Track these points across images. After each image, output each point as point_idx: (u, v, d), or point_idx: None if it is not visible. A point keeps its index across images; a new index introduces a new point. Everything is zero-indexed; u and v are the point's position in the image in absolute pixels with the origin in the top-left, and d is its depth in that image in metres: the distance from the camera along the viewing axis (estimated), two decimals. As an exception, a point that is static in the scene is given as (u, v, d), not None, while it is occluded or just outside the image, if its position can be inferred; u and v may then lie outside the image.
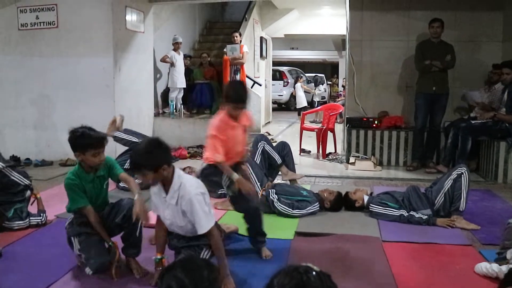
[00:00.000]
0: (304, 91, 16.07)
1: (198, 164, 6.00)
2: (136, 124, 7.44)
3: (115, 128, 5.59)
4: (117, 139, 5.64)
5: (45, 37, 7.03)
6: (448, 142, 6.56)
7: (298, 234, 4.18)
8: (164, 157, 2.90)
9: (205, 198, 2.96)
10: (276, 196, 4.66)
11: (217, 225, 3.93)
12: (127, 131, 5.73)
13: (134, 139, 5.58)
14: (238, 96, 3.43)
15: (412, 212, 4.43)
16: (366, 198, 4.72)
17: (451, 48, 6.62)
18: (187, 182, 2.96)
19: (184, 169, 5.65)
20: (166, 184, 2.93)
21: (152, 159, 2.82)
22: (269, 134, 10.77)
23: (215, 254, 2.98)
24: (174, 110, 9.13)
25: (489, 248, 3.85)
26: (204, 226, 2.90)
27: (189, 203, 2.88)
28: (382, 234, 4.17)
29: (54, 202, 4.91)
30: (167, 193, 2.95)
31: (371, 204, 4.63)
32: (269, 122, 13.71)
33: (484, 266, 3.32)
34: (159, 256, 3.04)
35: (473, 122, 6.36)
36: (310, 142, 8.77)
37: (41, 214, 4.33)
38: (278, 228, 4.31)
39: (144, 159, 2.81)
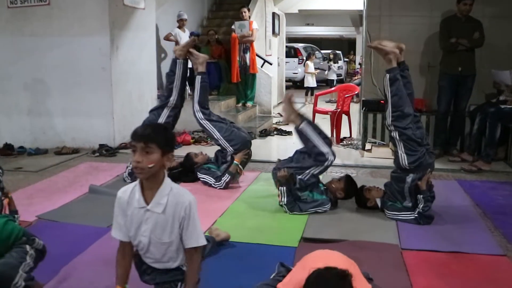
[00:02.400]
0: (316, 68, 15.22)
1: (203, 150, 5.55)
2: (138, 109, 6.98)
3: None
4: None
5: (36, 15, 6.52)
6: (474, 128, 6.01)
7: (304, 240, 3.68)
8: (174, 143, 2.48)
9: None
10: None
11: (209, 232, 3.48)
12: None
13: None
14: None
15: (419, 210, 3.95)
16: (379, 201, 4.20)
17: (480, 25, 6.02)
18: (179, 188, 2.45)
19: (197, 155, 5.21)
20: (152, 187, 2.40)
21: (168, 137, 2.35)
22: (281, 116, 10.28)
23: (188, 278, 2.43)
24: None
25: (527, 260, 3.35)
26: (197, 239, 2.38)
27: (188, 208, 2.34)
28: (401, 240, 3.65)
29: (39, 199, 4.50)
30: (148, 202, 2.43)
31: (385, 211, 4.13)
32: (281, 103, 13.18)
33: None
34: None
35: (502, 107, 5.77)
36: (324, 125, 8.19)
37: (14, 216, 3.86)
38: (281, 232, 3.83)
39: (161, 132, 2.32)
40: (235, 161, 4.94)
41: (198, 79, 5.13)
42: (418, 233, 3.80)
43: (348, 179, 4.34)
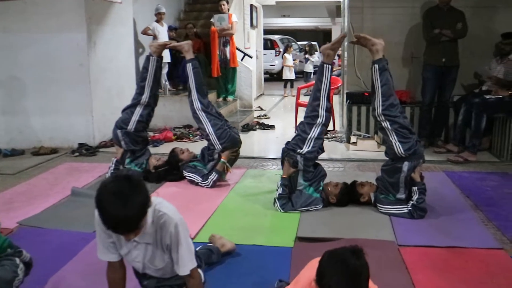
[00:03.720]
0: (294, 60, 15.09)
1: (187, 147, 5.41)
2: (117, 106, 6.72)
3: None
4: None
5: (10, 11, 6.25)
6: (459, 119, 6.00)
7: (299, 239, 3.60)
8: (148, 197, 2.14)
9: (186, 227, 2.35)
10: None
11: (212, 242, 3.33)
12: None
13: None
14: None
15: (413, 202, 3.93)
16: (372, 196, 4.15)
17: (462, 15, 6.00)
18: (164, 208, 2.27)
19: (182, 152, 5.07)
20: None
21: (142, 207, 2.07)
22: (261, 109, 10.22)
23: None
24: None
25: (523, 253, 3.33)
26: (187, 265, 2.28)
27: (174, 231, 2.23)
28: (397, 237, 3.59)
29: (19, 204, 4.32)
30: None
31: (379, 205, 4.08)
32: (262, 95, 13.09)
33: None
34: None
35: (487, 97, 5.75)
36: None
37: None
38: (275, 233, 3.74)
39: (137, 213, 2.05)
40: (222, 159, 4.81)
41: (189, 67, 4.91)
42: (413, 228, 3.75)
43: (344, 188, 4.24)
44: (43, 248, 3.41)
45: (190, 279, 2.33)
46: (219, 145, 4.81)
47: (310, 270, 1.99)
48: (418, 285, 2.89)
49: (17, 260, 2.35)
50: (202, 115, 4.85)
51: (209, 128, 4.82)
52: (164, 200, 2.34)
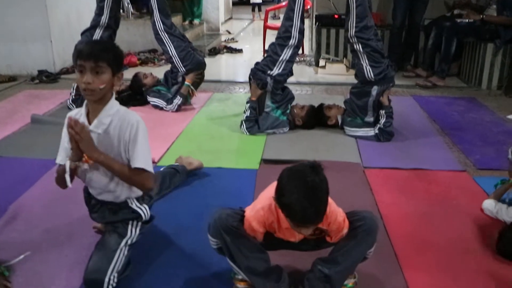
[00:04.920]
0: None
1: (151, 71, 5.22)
2: (78, 30, 6.38)
3: None
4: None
5: None
6: (429, 43, 5.92)
7: (264, 161, 3.59)
8: (123, 61, 2.25)
9: (146, 132, 2.26)
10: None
11: (179, 161, 3.28)
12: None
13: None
14: (303, 217, 1.79)
15: (380, 126, 3.93)
16: (339, 119, 4.12)
17: None
18: (127, 110, 2.24)
19: (146, 76, 4.90)
20: (98, 108, 2.15)
21: (118, 55, 2.16)
22: (229, 33, 9.97)
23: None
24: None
25: (485, 175, 3.39)
26: (141, 160, 2.16)
27: (135, 127, 2.15)
28: (363, 159, 3.61)
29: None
30: (90, 122, 2.17)
31: (346, 128, 4.08)
32: (230, 19, 12.74)
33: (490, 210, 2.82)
34: None
35: (458, 21, 5.66)
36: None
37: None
38: (240, 155, 3.74)
39: (111, 49, 2.13)
40: (186, 82, 4.68)
41: None
42: (379, 151, 3.77)
43: (311, 111, 4.20)
44: (3, 176, 3.32)
45: (140, 174, 2.19)
46: (183, 68, 4.65)
47: (270, 189, 1.96)
48: (381, 205, 2.92)
49: None
50: (164, 36, 4.63)
51: (172, 50, 4.63)
52: None
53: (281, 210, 1.80)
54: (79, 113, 2.22)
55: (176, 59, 4.63)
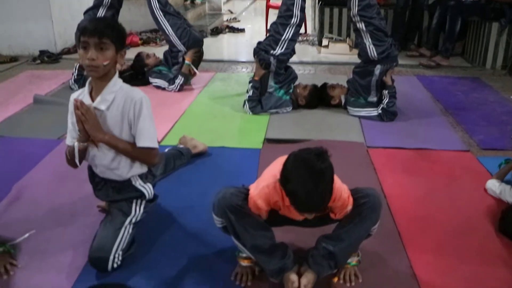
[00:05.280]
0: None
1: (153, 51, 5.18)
2: (78, 10, 6.38)
3: None
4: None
5: None
6: (433, 22, 5.86)
7: (268, 141, 3.58)
8: (125, 41, 2.24)
9: (150, 109, 2.24)
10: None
11: (183, 144, 3.27)
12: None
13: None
14: (307, 206, 1.81)
15: (384, 106, 3.91)
16: (343, 98, 4.10)
17: None
18: (130, 87, 2.24)
19: (148, 56, 4.88)
20: (101, 86, 2.15)
21: (121, 32, 2.17)
22: (231, 12, 9.90)
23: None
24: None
25: (488, 155, 3.37)
26: (146, 139, 2.18)
27: (138, 105, 2.15)
28: (366, 138, 3.60)
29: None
30: (93, 100, 2.17)
31: (349, 108, 4.06)
32: (232, -2, 12.64)
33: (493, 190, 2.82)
34: None
35: (463, 0, 5.61)
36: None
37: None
38: (243, 135, 3.73)
39: (115, 26, 2.12)
40: (186, 61, 4.65)
41: None
42: (382, 130, 3.76)
43: (313, 90, 4.17)
44: (6, 157, 3.33)
45: (145, 151, 2.22)
46: (182, 46, 4.64)
47: (275, 166, 1.95)
48: (385, 184, 2.92)
49: None
50: (159, 15, 4.60)
51: (168, 29, 4.61)
52: None
53: (286, 195, 1.81)
54: (82, 93, 2.22)
55: (174, 38, 4.61)
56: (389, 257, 2.27)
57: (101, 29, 2.05)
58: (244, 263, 2.13)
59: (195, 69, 4.75)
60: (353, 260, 2.13)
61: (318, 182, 1.73)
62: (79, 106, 2.08)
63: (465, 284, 2.11)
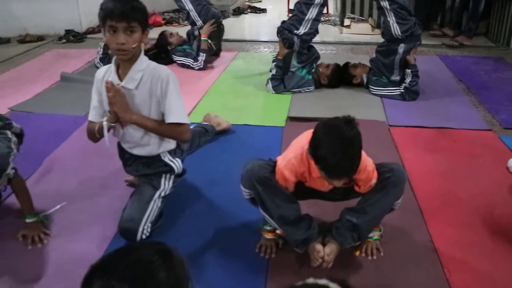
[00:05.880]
0: None
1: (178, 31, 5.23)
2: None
3: None
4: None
5: None
6: (456, 1, 5.81)
7: (290, 119, 3.63)
8: (148, 18, 2.28)
9: (177, 83, 2.29)
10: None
11: (207, 121, 3.33)
12: None
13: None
14: (338, 170, 1.84)
15: (406, 85, 3.92)
16: (365, 77, 4.11)
17: None
18: (157, 65, 2.28)
19: (172, 35, 4.94)
20: (128, 65, 2.20)
21: (146, 13, 2.18)
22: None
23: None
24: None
25: (511, 134, 3.38)
26: (175, 114, 2.22)
27: (165, 82, 2.19)
28: (388, 117, 3.62)
29: (8, 91, 4.27)
30: (121, 80, 2.22)
31: (371, 87, 4.07)
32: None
33: None
34: None
35: (488, -22, 5.54)
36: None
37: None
38: (266, 112, 3.80)
39: (140, 8, 2.13)
40: (202, 38, 4.70)
41: None
42: (404, 109, 3.77)
43: (336, 69, 4.20)
44: (36, 132, 3.39)
45: (177, 128, 2.26)
46: (200, 21, 4.70)
47: (302, 138, 2.00)
48: (406, 162, 2.95)
49: (9, 133, 2.30)
50: None
51: (188, 5, 4.66)
52: None
53: (315, 163, 1.84)
54: (108, 70, 2.26)
55: (193, 13, 4.68)
56: (409, 232, 2.32)
57: (129, 13, 2.06)
58: (268, 236, 2.20)
59: (212, 44, 4.79)
60: (375, 235, 2.19)
61: (348, 147, 1.77)
62: (110, 87, 2.12)
63: (485, 258, 2.15)
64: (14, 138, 2.31)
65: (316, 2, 3.96)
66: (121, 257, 1.02)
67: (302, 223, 2.05)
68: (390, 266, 2.11)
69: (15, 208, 2.49)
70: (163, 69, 2.26)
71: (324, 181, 1.94)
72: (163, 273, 0.98)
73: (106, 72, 2.27)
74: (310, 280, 0.96)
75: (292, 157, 1.99)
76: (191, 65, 4.71)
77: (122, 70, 2.23)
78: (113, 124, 2.24)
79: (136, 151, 2.39)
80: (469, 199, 2.59)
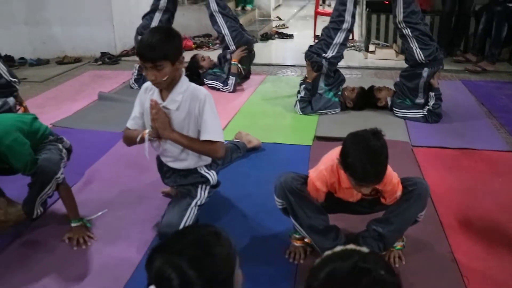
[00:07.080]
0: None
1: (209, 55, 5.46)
2: (136, 15, 6.77)
3: None
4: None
5: None
6: (479, 28, 5.92)
7: (318, 138, 3.80)
8: (181, 46, 2.40)
9: (214, 104, 2.46)
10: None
11: (238, 138, 3.51)
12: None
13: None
14: (365, 175, 1.98)
15: (429, 107, 4.06)
16: (389, 100, 4.27)
17: None
18: (196, 86, 2.47)
19: (203, 59, 5.17)
20: (169, 87, 2.38)
21: (174, 45, 2.30)
22: (280, 19, 10.11)
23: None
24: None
25: (532, 155, 3.48)
26: (211, 132, 2.39)
27: (203, 100, 2.37)
28: (411, 138, 3.76)
29: (49, 108, 4.53)
30: (163, 99, 2.40)
31: (395, 109, 4.21)
32: (279, 6, 12.86)
33: None
34: None
35: (510, 5, 5.65)
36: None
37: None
38: (295, 133, 3.95)
39: (166, 43, 2.25)
40: (233, 62, 4.93)
41: None
42: (427, 131, 3.91)
43: (361, 92, 4.35)
44: (77, 146, 3.53)
45: (211, 145, 2.41)
46: (234, 46, 4.93)
47: (332, 153, 2.17)
48: (429, 180, 2.97)
49: (60, 146, 2.56)
50: (219, 17, 4.92)
51: (225, 30, 4.91)
52: None
53: (344, 170, 2.00)
54: (153, 89, 2.45)
55: (228, 38, 4.92)
56: (430, 243, 2.45)
57: (153, 56, 2.22)
58: (297, 243, 2.35)
59: (241, 68, 5.01)
60: (398, 245, 2.32)
61: (375, 155, 1.94)
62: (154, 105, 2.33)
63: (504, 269, 2.26)
64: (64, 150, 2.56)
65: (343, 27, 4.15)
66: (179, 237, 1.20)
67: (330, 233, 2.21)
68: (411, 273, 2.24)
69: (60, 213, 2.72)
70: (201, 91, 2.44)
71: (352, 191, 2.10)
72: (217, 249, 1.16)
73: (151, 90, 2.46)
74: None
75: (323, 168, 2.15)
76: (221, 89, 4.92)
77: (164, 91, 2.42)
78: (153, 139, 2.43)
79: (175, 165, 2.58)
80: (489, 214, 2.70)
